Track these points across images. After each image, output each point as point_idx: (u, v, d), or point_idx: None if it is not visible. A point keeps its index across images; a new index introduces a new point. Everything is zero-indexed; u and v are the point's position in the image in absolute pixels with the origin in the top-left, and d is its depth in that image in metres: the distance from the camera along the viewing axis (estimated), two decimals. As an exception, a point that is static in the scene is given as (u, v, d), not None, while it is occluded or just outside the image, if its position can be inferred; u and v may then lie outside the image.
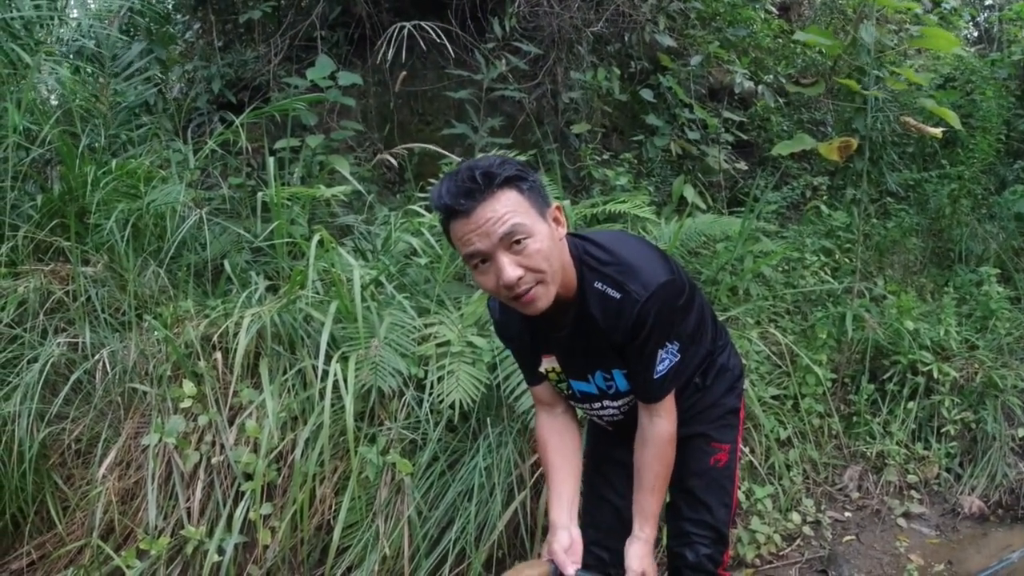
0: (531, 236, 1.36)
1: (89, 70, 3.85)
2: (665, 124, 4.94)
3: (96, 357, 2.67)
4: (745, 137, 5.26)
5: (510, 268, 1.34)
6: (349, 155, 4.01)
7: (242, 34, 5.19)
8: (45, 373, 2.61)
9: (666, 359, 1.57)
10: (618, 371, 1.65)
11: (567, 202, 3.20)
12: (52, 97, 3.77)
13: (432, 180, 3.56)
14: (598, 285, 1.52)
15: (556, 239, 1.45)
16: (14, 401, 2.58)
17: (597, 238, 1.61)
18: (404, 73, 3.92)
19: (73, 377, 2.57)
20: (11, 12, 3.52)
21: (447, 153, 3.48)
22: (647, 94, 4.94)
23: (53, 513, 2.70)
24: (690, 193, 4.62)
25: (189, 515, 2.57)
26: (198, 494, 2.57)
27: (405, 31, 4.15)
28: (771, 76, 5.66)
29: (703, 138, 5.00)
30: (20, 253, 2.93)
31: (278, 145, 3.52)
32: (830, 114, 5.67)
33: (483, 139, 4.05)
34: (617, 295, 1.51)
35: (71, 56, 3.96)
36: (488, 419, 2.67)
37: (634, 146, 5.03)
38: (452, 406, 2.50)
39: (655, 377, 1.57)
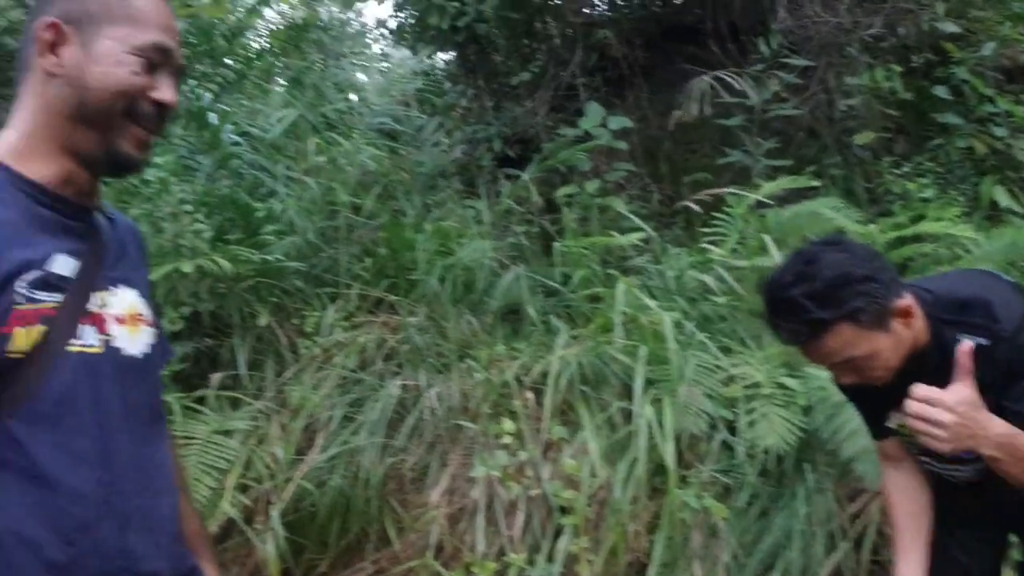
0: (869, 357, 1.35)
1: (390, 145, 4.39)
2: (963, 121, 4.37)
3: (425, 397, 3.01)
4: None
5: (846, 379, 1.39)
6: (622, 195, 4.10)
7: (507, 93, 5.60)
8: (385, 411, 2.99)
9: None
10: None
11: (872, 227, 2.96)
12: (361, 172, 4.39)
13: (714, 216, 3.52)
14: (959, 336, 1.38)
15: (902, 336, 1.39)
16: (361, 436, 2.99)
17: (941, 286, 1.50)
18: (679, 113, 3.92)
19: (411, 417, 2.90)
20: (327, 106, 4.18)
21: (739, 192, 3.37)
22: (941, 91, 4.42)
23: (391, 533, 3.07)
24: (1002, 196, 4.03)
25: (511, 542, 2.76)
26: (518, 524, 2.76)
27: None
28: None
29: (1009, 131, 4.34)
30: (354, 308, 3.42)
31: (561, 192, 3.71)
32: None
33: (759, 162, 3.91)
34: (985, 341, 1.35)
35: (374, 134, 4.52)
36: (805, 464, 2.53)
37: (926, 149, 4.51)
38: (766, 451, 2.42)
39: None
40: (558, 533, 2.68)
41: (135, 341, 0.99)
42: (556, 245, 3.20)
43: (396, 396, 3.02)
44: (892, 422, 1.59)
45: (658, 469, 2.60)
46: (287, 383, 3.13)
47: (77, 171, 0.94)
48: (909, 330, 1.39)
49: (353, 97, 4.07)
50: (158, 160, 3.13)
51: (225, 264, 2.87)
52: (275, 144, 3.66)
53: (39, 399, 0.87)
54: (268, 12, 5.13)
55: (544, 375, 2.81)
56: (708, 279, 2.94)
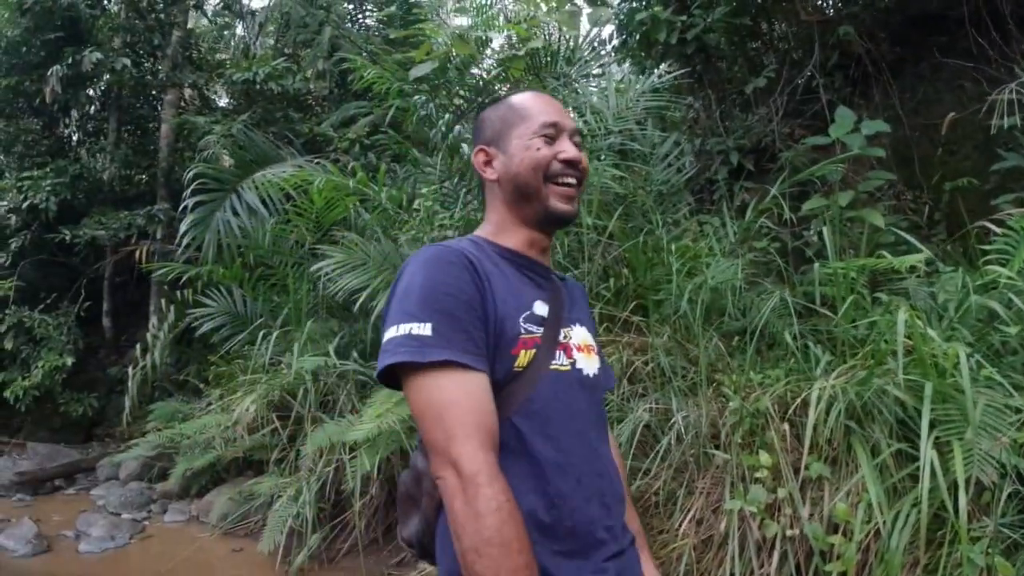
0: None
1: (629, 164, 4.38)
2: None
3: (672, 420, 3.00)
4: None
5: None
6: (877, 205, 3.78)
7: (737, 101, 5.41)
8: (633, 433, 3.02)
9: None
10: None
11: None
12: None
13: (981, 223, 3.15)
14: None
15: None
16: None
17: None
18: (952, 115, 3.54)
19: (664, 441, 2.91)
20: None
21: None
22: None
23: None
24: None
25: (765, 581, 2.66)
26: (773, 563, 2.66)
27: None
28: None
29: None
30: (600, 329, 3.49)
31: (808, 206, 3.52)
32: None
33: (1047, 169, 3.42)
34: None
35: (614, 155, 4.53)
36: None
37: None
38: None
39: None
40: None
41: (589, 364, 1.29)
42: (815, 266, 3.02)
43: (644, 419, 3.04)
44: None
45: (935, 520, 2.37)
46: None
47: (533, 234, 1.30)
48: None
49: (589, 119, 4.14)
50: (424, 191, 3.43)
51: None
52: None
53: (533, 401, 1.16)
54: (502, 41, 5.41)
55: (804, 406, 2.68)
56: (996, 305, 2.62)
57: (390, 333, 1.13)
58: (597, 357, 1.33)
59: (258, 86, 7.06)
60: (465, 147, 3.74)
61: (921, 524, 2.31)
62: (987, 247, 3.04)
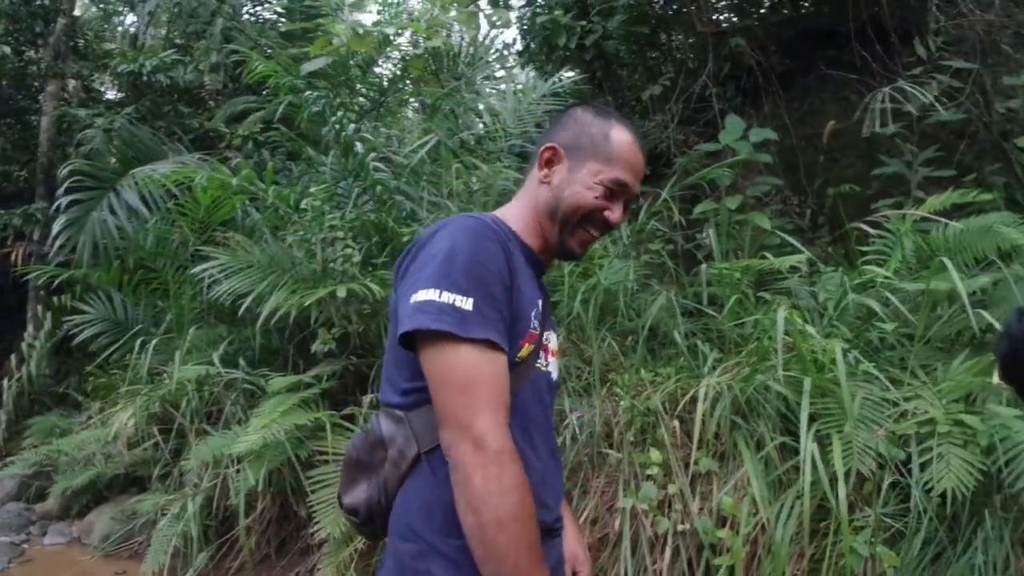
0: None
1: (525, 167, 4.40)
2: None
3: (566, 421, 2.98)
4: None
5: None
6: (764, 210, 3.92)
7: (635, 108, 5.52)
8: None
9: None
10: None
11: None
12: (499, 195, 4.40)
13: (862, 230, 3.31)
14: None
15: None
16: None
17: None
18: (832, 124, 3.71)
19: (559, 441, 2.88)
20: (464, 133, 4.25)
21: (902, 209, 3.13)
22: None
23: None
24: None
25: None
26: (666, 559, 2.67)
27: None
28: None
29: None
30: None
31: (699, 209, 3.60)
32: None
33: (917, 173, 3.63)
34: None
35: (512, 157, 4.52)
36: (985, 510, 2.31)
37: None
38: (942, 495, 2.22)
39: None
40: (707, 571, 2.58)
41: (555, 368, 1.36)
42: (703, 267, 3.08)
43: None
44: None
45: (819, 511, 2.45)
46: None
47: (544, 248, 1.33)
48: None
49: (488, 121, 4.11)
50: (313, 189, 3.28)
51: (375, 288, 2.97)
52: (415, 169, 3.76)
53: (518, 394, 1.19)
54: (405, 42, 5.32)
55: (692, 403, 2.71)
56: (872, 303, 2.74)
57: (429, 295, 1.11)
58: (557, 363, 1.41)
59: (145, 78, 6.66)
60: (359, 146, 3.61)
61: (804, 516, 2.37)
62: (866, 248, 3.20)
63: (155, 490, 4.41)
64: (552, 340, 1.35)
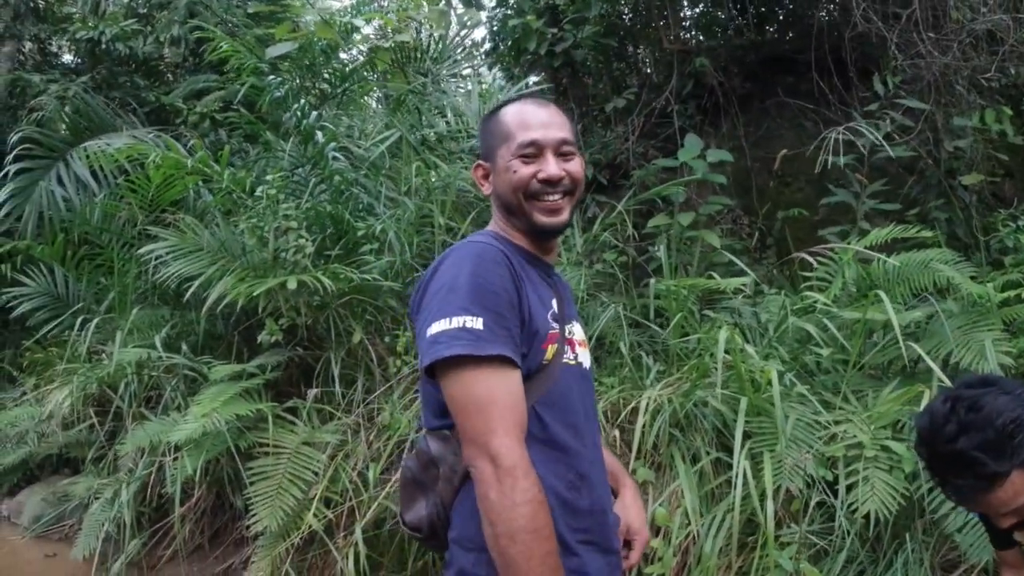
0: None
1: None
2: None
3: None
4: None
5: (1005, 522, 1.35)
6: (715, 228, 4.02)
7: (598, 118, 5.58)
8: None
9: None
10: None
11: (989, 286, 2.79)
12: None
13: (802, 251, 3.41)
14: None
15: None
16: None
17: None
18: (784, 151, 3.82)
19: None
20: (426, 130, 4.24)
21: (844, 243, 3.23)
22: (1053, 136, 4.16)
23: None
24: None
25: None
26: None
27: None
28: None
29: None
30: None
31: (652, 223, 3.66)
32: None
33: (865, 205, 3.77)
34: None
35: (473, 157, 4.50)
36: (906, 532, 2.42)
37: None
38: (866, 517, 2.32)
39: None
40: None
41: (586, 358, 1.41)
42: (652, 282, 3.14)
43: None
44: (1021, 538, 1.53)
45: (748, 525, 2.52)
46: (377, 400, 3.18)
47: (533, 243, 1.39)
48: None
49: (451, 119, 4.10)
50: (269, 176, 3.23)
51: (327, 282, 2.94)
52: (375, 163, 3.73)
53: (553, 392, 1.27)
54: (373, 32, 5.27)
55: (634, 413, 2.77)
56: (811, 328, 2.83)
57: (440, 326, 1.18)
58: (587, 351, 1.45)
59: (104, 46, 6.45)
60: (320, 135, 3.58)
61: (734, 529, 2.44)
62: (808, 274, 3.30)
63: (88, 473, 4.30)
64: (577, 331, 1.41)
